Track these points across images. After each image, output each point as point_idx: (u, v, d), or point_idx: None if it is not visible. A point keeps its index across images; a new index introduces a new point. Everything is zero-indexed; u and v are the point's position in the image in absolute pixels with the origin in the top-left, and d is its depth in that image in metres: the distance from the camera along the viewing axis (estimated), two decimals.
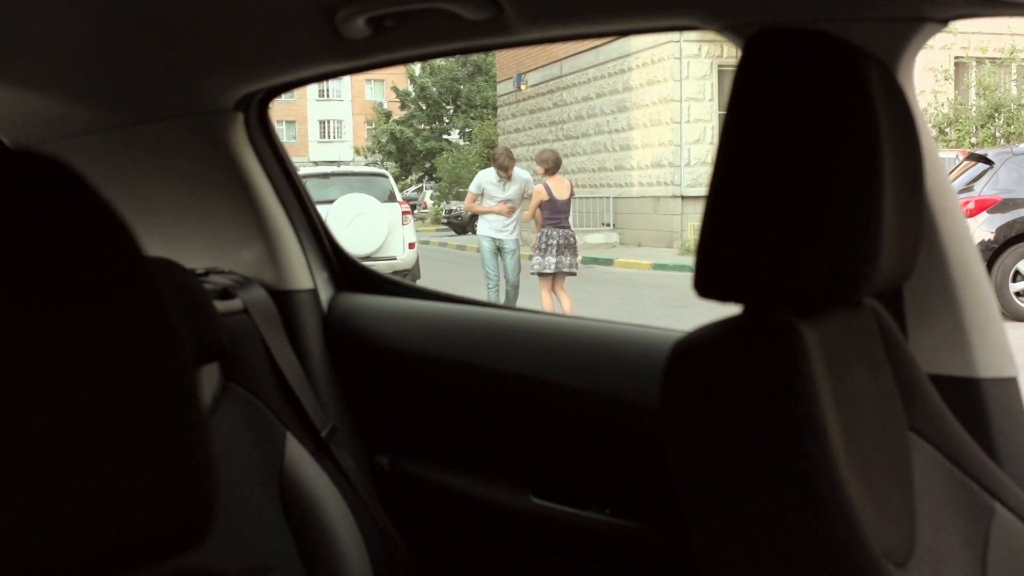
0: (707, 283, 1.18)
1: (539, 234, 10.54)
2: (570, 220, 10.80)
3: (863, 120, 1.09)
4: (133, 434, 0.68)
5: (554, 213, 10.45)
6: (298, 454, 2.00)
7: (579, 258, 10.87)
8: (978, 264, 1.60)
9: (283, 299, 2.29)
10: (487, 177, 10.95)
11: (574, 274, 10.74)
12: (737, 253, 1.14)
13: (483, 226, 11.11)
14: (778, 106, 1.13)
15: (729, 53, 20.82)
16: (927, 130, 1.49)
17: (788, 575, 1.08)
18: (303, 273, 2.38)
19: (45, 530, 0.63)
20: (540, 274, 10.51)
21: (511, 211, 10.81)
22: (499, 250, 10.95)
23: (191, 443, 0.73)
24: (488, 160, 11.89)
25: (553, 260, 10.37)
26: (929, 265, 1.53)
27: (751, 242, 1.13)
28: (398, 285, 2.53)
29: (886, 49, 1.47)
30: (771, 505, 1.09)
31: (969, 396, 1.53)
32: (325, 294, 2.44)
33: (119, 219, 0.72)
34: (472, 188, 11.16)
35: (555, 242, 10.39)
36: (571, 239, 10.60)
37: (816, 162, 1.10)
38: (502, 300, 10.82)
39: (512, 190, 10.81)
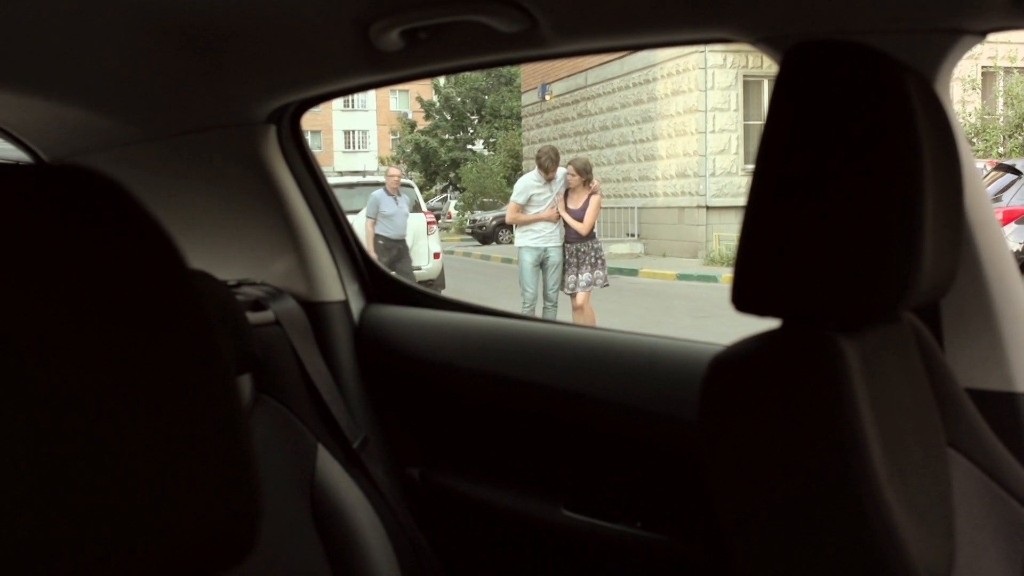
0: (745, 298, 1.17)
1: (565, 249, 9.82)
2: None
3: (903, 133, 1.08)
4: (178, 448, 0.69)
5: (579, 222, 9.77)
6: (329, 465, 2.00)
7: (606, 271, 10.08)
8: (1016, 277, 1.58)
9: (314, 311, 2.30)
10: (531, 182, 9.91)
11: (607, 285, 10.10)
12: (776, 267, 1.14)
13: (526, 237, 9.98)
14: (817, 119, 1.12)
15: (754, 63, 20.79)
16: (965, 143, 1.48)
17: None
18: (334, 285, 2.38)
19: (91, 547, 0.64)
20: (573, 293, 9.79)
21: (557, 216, 9.84)
22: (542, 264, 9.94)
23: (236, 457, 0.73)
24: (513, 170, 11.05)
25: (589, 276, 9.71)
26: (966, 278, 1.52)
27: (790, 256, 1.12)
28: (429, 297, 2.53)
29: (924, 61, 1.47)
30: (811, 520, 1.08)
31: (1007, 410, 1.52)
32: (356, 306, 2.44)
33: (164, 232, 0.73)
34: (517, 198, 9.98)
35: (590, 258, 9.76)
36: (602, 252, 10.01)
37: (856, 176, 1.10)
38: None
39: (557, 192, 9.87)
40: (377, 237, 11.85)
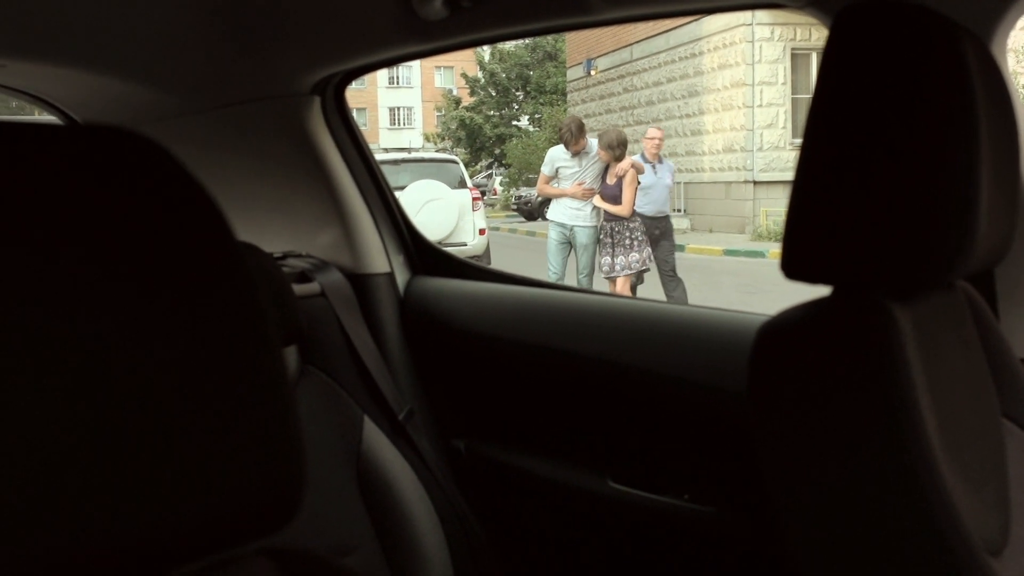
0: (795, 265, 1.15)
1: (601, 228, 8.86)
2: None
3: (959, 97, 1.06)
4: (225, 415, 0.68)
5: (615, 203, 8.79)
6: (375, 437, 2.01)
7: (646, 254, 8.94)
8: None
9: (360, 282, 2.30)
10: (558, 154, 8.95)
11: (647, 269, 8.98)
12: (827, 234, 1.11)
13: (554, 210, 9.14)
14: (869, 83, 1.10)
15: (802, 36, 20.56)
16: (1022, 106, 1.44)
17: (882, 561, 1.05)
18: (380, 256, 2.38)
19: (133, 511, 0.63)
20: (611, 278, 8.83)
21: (588, 194, 8.83)
22: (569, 243, 9.00)
23: (282, 424, 0.72)
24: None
25: (623, 260, 8.74)
26: (1022, 246, 1.49)
27: (841, 222, 1.10)
28: (474, 268, 2.52)
29: (979, 24, 1.43)
30: (863, 491, 1.06)
31: None
32: (401, 277, 2.44)
33: (211, 199, 0.72)
34: (544, 168, 9.08)
35: (625, 239, 8.77)
36: (640, 232, 8.88)
37: (910, 140, 1.07)
38: None
39: (589, 168, 8.82)
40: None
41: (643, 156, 9.57)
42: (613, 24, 1.93)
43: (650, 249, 8.96)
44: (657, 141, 9.75)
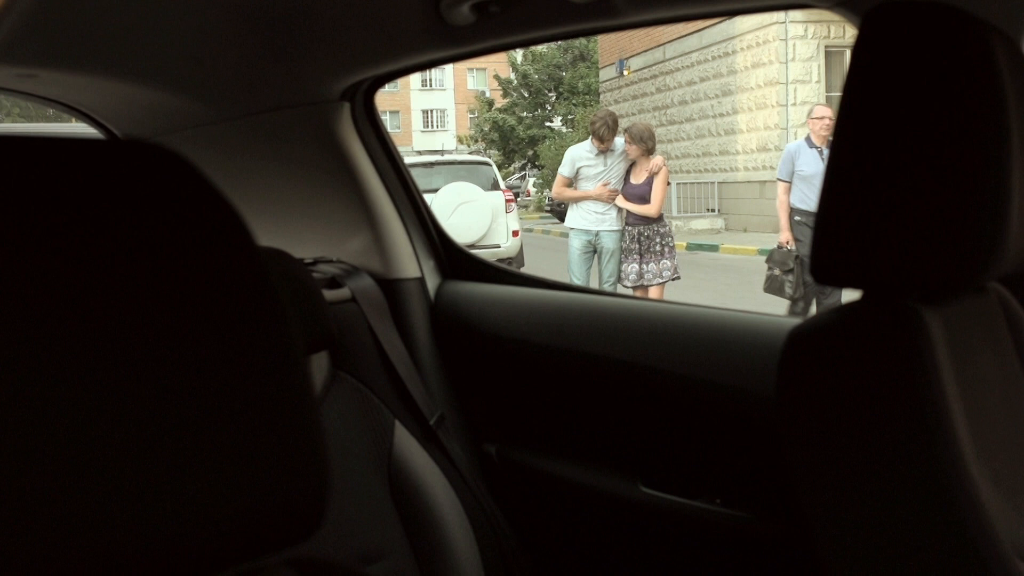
0: (825, 269, 1.14)
1: (625, 233, 8.09)
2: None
3: (989, 96, 1.05)
4: (247, 425, 0.68)
5: (642, 203, 7.98)
6: (406, 442, 2.01)
7: (676, 260, 8.18)
8: None
9: (390, 287, 2.31)
10: (582, 152, 8.10)
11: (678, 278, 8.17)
12: (857, 237, 1.11)
13: (575, 216, 8.27)
14: (899, 84, 1.09)
15: (836, 34, 20.44)
16: None
17: (912, 566, 1.04)
18: (410, 261, 2.39)
19: (159, 521, 0.64)
20: (636, 286, 8.04)
21: (613, 196, 8.01)
22: (594, 250, 8.22)
23: (305, 433, 0.72)
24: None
25: (655, 267, 7.98)
26: None
27: (871, 226, 1.09)
28: (505, 273, 2.52)
29: (1010, 22, 1.41)
30: (894, 496, 1.05)
31: None
32: (432, 282, 2.44)
33: (233, 210, 0.72)
34: (563, 171, 8.18)
35: (655, 245, 8.02)
36: (670, 238, 8.15)
37: (939, 141, 1.06)
38: None
39: (614, 166, 8.02)
40: (794, 211, 8.20)
41: (809, 140, 8.12)
42: (640, 27, 1.92)
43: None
44: (827, 121, 8.00)
